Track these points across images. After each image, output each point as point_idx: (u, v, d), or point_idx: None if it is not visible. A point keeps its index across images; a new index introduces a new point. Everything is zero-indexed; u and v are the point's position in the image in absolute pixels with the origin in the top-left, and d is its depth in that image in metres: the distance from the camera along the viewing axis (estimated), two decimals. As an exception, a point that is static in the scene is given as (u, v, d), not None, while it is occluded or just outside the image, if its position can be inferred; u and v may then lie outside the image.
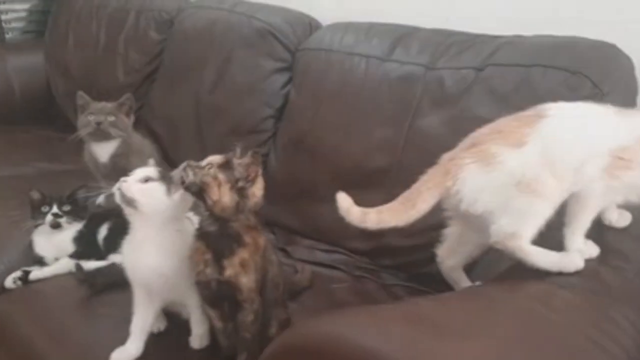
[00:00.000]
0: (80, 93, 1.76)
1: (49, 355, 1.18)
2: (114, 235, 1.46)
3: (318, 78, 1.75)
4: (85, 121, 1.69)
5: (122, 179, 1.06)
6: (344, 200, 1.09)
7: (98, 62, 2.50)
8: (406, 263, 1.52)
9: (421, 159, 1.44)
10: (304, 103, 1.77)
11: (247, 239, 1.00)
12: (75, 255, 1.45)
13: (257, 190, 1.03)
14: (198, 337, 1.13)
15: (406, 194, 1.06)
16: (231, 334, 1.05)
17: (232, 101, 1.96)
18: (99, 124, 1.65)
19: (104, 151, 1.71)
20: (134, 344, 1.10)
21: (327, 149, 1.67)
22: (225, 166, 1.00)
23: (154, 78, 2.36)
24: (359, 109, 1.62)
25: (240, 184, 0.99)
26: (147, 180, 1.05)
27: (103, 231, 1.50)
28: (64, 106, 2.64)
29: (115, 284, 1.32)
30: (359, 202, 1.58)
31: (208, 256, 0.99)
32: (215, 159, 1.01)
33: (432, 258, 1.46)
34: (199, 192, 0.98)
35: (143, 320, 1.11)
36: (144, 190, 1.05)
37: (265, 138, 1.91)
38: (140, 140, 1.78)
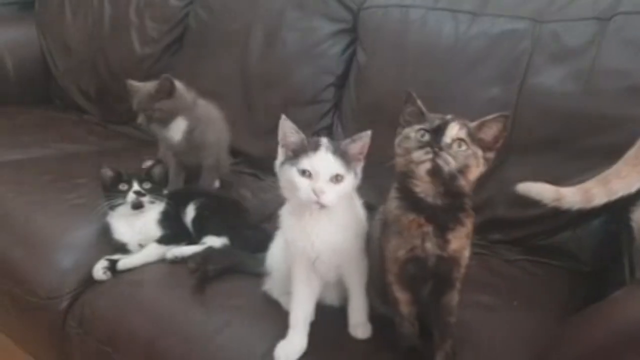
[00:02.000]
0: (129, 82, 1.53)
1: (179, 355, 0.98)
2: (204, 217, 1.29)
3: (396, 38, 1.59)
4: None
5: (318, 189, 0.87)
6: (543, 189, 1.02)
7: (105, 35, 2.23)
8: (521, 237, 1.40)
9: (542, 119, 1.38)
10: (381, 67, 1.61)
11: (470, 209, 0.87)
12: (164, 240, 1.27)
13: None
14: (362, 326, 0.98)
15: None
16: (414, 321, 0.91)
17: (286, 70, 1.77)
18: (140, 124, 1.52)
19: (173, 132, 1.51)
20: (298, 336, 0.93)
21: (415, 115, 1.54)
22: (475, 137, 0.85)
23: (176, 48, 2.14)
24: (453, 69, 1.48)
25: (488, 154, 0.85)
26: (337, 177, 0.90)
27: (190, 212, 1.31)
28: (66, 85, 2.36)
29: (225, 270, 1.16)
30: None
31: (427, 229, 0.84)
32: (456, 130, 0.84)
33: (550, 230, 1.40)
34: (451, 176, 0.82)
35: (305, 310, 0.95)
36: (340, 191, 0.90)
37: (327, 109, 1.74)
38: (207, 109, 1.56)
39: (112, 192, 1.27)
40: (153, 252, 1.24)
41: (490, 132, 0.86)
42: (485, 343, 0.96)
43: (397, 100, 1.57)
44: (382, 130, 1.58)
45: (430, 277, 0.87)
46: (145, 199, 1.26)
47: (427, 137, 0.84)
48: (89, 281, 1.21)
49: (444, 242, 0.84)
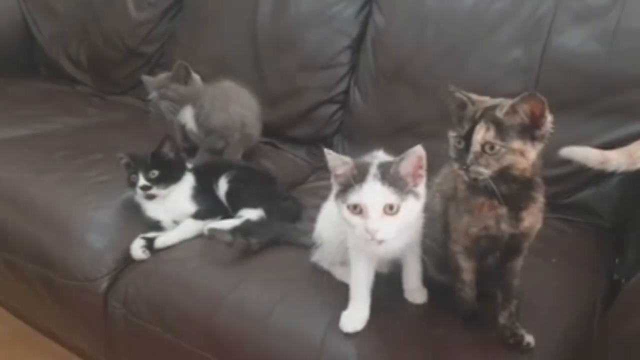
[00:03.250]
0: (145, 77, 1.56)
1: (241, 331, 0.99)
2: (238, 189, 1.28)
3: (415, 0, 1.57)
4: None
5: (371, 229, 0.81)
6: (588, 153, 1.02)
7: (95, -3, 2.11)
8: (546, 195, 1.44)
9: (566, 80, 1.39)
10: (400, 28, 1.59)
11: (540, 184, 0.87)
12: (199, 215, 1.25)
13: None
14: (419, 291, 1.00)
15: None
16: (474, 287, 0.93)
17: (299, 32, 1.73)
18: (149, 101, 1.51)
19: (185, 119, 1.51)
20: (361, 307, 0.94)
21: (437, 77, 1.51)
22: (507, 128, 0.79)
23: (175, 11, 2.06)
24: (475, 31, 1.47)
25: (537, 132, 0.81)
26: (390, 207, 0.82)
27: (223, 185, 1.29)
28: (53, 52, 2.25)
29: (269, 242, 1.16)
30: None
31: (501, 211, 0.84)
32: (481, 135, 0.79)
33: (570, 189, 1.43)
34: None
35: (366, 281, 0.95)
36: (398, 224, 0.83)
37: (343, 72, 1.72)
38: (215, 92, 1.53)
39: (129, 181, 1.23)
40: (190, 228, 1.22)
41: (525, 113, 0.81)
42: (536, 301, 0.99)
43: (418, 64, 1.60)
44: (403, 93, 1.63)
45: (500, 249, 0.89)
46: (154, 191, 1.22)
47: (462, 144, 0.82)
48: (127, 260, 1.18)
49: (517, 220, 0.85)
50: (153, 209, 1.25)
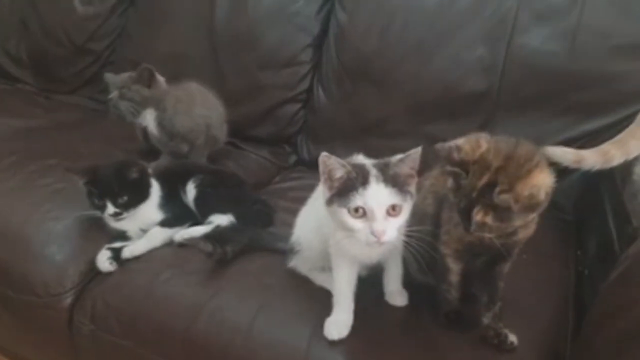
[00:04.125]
0: (107, 74, 1.47)
1: (222, 343, 0.95)
2: (206, 194, 1.23)
3: (377, -5, 1.56)
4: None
5: (377, 232, 0.80)
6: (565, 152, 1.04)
7: (35, -9, 1.98)
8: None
9: (529, 78, 1.42)
10: (363, 25, 1.57)
11: None
12: (167, 223, 1.19)
13: None
14: (399, 293, 1.00)
15: None
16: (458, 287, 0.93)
17: (258, 29, 1.68)
18: (109, 100, 1.43)
19: (145, 121, 1.44)
20: (345, 312, 0.93)
21: (402, 76, 1.52)
22: (504, 207, 0.76)
23: (126, 6, 1.95)
24: (441, 28, 1.48)
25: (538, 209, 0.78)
26: (393, 208, 0.81)
27: (190, 191, 1.24)
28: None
29: (243, 249, 1.12)
30: (449, 134, 1.51)
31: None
32: (480, 218, 0.77)
33: None
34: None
35: (349, 286, 0.93)
36: (399, 223, 0.83)
37: (305, 71, 1.69)
38: (180, 96, 1.46)
39: (91, 203, 1.15)
40: (158, 236, 1.16)
41: (523, 203, 0.76)
42: (513, 298, 1.00)
43: (383, 61, 1.59)
44: (368, 92, 1.62)
45: (490, 254, 0.89)
46: (125, 215, 1.15)
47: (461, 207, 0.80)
48: (92, 273, 1.12)
49: (512, 234, 0.85)
50: (119, 221, 1.17)
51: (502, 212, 0.76)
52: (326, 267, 1.02)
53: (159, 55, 1.81)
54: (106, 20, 1.95)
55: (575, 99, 1.36)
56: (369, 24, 1.56)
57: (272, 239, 1.15)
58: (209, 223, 1.19)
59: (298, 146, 1.71)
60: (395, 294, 1.00)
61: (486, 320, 0.92)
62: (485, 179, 0.77)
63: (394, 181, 0.81)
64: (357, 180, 0.81)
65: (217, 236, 1.12)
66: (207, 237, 1.13)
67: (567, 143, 1.32)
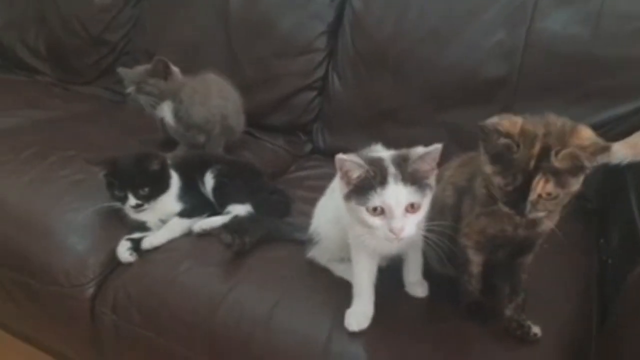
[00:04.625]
0: (121, 69, 1.48)
1: (243, 334, 0.95)
2: (224, 185, 1.23)
3: (394, -18, 1.53)
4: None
5: (396, 229, 0.79)
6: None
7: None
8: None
9: (550, 63, 1.39)
10: (379, 12, 1.56)
11: None
12: (185, 214, 1.20)
13: None
14: (420, 284, 0.99)
15: None
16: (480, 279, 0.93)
17: (273, 16, 1.68)
18: (127, 95, 1.44)
19: (163, 113, 1.45)
20: (366, 303, 0.92)
21: (418, 62, 1.50)
22: (561, 176, 0.75)
23: (140, -2, 1.96)
24: (457, 12, 1.46)
25: (587, 169, 0.77)
26: (412, 205, 0.81)
27: (209, 181, 1.24)
28: (8, 40, 2.10)
29: (261, 239, 1.12)
30: (466, 121, 1.49)
31: (519, 220, 0.82)
32: (540, 188, 0.75)
33: None
34: None
35: (369, 277, 0.93)
36: (418, 220, 0.82)
37: (321, 58, 1.67)
38: (196, 86, 1.47)
39: (112, 195, 1.16)
40: (177, 227, 1.17)
41: (586, 157, 0.75)
42: (535, 289, 0.98)
43: (399, 48, 1.57)
44: (383, 79, 1.60)
45: (513, 246, 0.88)
46: (146, 206, 1.16)
47: (510, 189, 0.78)
48: (113, 264, 1.13)
49: (536, 225, 0.84)
50: (139, 212, 1.18)
51: (562, 177, 0.75)
52: (345, 258, 1.02)
53: (173, 45, 1.81)
54: (121, 11, 1.96)
55: (598, 85, 1.33)
56: (384, 11, 1.55)
57: (290, 230, 1.15)
58: (227, 213, 1.19)
59: (314, 135, 1.70)
60: (416, 285, 0.99)
61: (509, 312, 0.91)
62: (538, 146, 0.75)
63: (412, 178, 0.80)
64: (374, 179, 0.80)
65: (235, 227, 1.12)
66: (225, 227, 1.13)
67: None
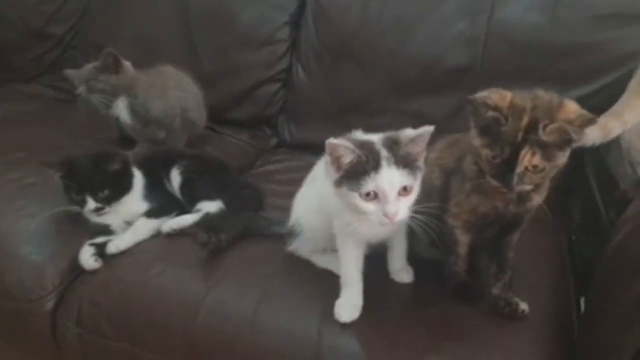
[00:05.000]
0: (67, 71, 1.39)
1: (226, 338, 0.90)
2: (192, 181, 1.17)
3: (356, -27, 1.51)
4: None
5: (391, 214, 0.78)
6: None
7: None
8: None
9: (511, 50, 1.41)
10: (343, 2, 1.53)
11: None
12: (153, 214, 1.13)
13: None
14: (405, 270, 0.98)
15: None
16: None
17: (234, 7, 1.62)
18: (79, 96, 1.36)
19: (119, 111, 1.37)
20: (356, 293, 0.90)
21: (383, 52, 1.48)
22: (549, 148, 0.76)
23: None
24: (420, 3, 1.45)
25: (575, 143, 0.78)
26: (405, 189, 0.79)
27: (175, 178, 1.17)
28: None
29: (237, 236, 1.07)
30: (433, 110, 1.49)
31: (511, 196, 0.83)
32: (527, 160, 0.76)
33: None
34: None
35: (358, 266, 0.91)
36: (410, 202, 0.81)
37: (284, 50, 1.63)
38: (159, 78, 1.40)
39: (69, 198, 1.08)
40: (144, 228, 1.10)
41: (574, 131, 0.76)
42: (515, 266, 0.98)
43: (363, 38, 1.56)
44: (348, 70, 1.58)
45: (502, 224, 0.88)
46: (107, 209, 1.08)
47: (498, 161, 0.78)
48: (75, 272, 1.05)
49: (526, 200, 0.84)
50: (102, 215, 1.10)
51: (549, 150, 0.76)
52: (329, 249, 1.00)
53: (127, 38, 1.72)
54: (65, 2, 1.83)
55: (558, 70, 1.36)
56: (348, 1, 1.52)
57: (267, 224, 1.11)
58: (198, 211, 1.13)
59: (279, 128, 1.66)
60: (402, 272, 0.98)
61: (496, 290, 0.91)
62: (526, 119, 0.76)
63: (405, 162, 0.79)
64: (368, 164, 0.78)
65: (209, 224, 1.06)
66: (200, 225, 1.07)
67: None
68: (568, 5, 1.34)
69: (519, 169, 0.77)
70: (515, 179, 0.77)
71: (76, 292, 1.02)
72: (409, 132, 0.81)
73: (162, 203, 1.14)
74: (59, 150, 1.33)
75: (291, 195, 1.30)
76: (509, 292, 0.91)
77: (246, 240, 1.08)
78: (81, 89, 1.32)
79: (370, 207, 0.79)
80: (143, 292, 0.97)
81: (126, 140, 1.42)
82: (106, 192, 1.07)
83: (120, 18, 1.73)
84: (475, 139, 0.80)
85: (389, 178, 0.78)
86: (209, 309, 0.93)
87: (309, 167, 1.55)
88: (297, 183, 1.40)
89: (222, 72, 1.65)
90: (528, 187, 0.79)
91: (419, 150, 0.80)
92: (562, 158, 0.78)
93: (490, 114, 0.77)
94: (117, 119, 1.39)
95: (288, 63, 1.64)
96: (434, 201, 0.88)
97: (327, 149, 0.79)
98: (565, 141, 0.77)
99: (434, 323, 0.89)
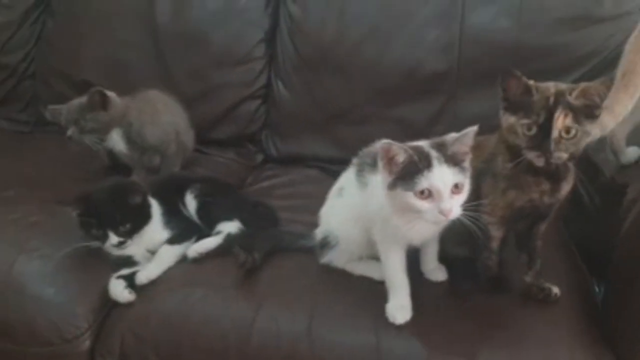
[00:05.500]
0: (50, 109, 1.36)
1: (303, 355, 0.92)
2: (208, 204, 1.17)
3: (328, -15, 1.56)
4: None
5: (446, 210, 0.82)
6: None
7: None
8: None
9: (484, 53, 1.51)
10: (318, 14, 1.56)
11: None
12: (175, 240, 1.11)
13: None
14: (439, 269, 1.04)
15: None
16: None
17: (207, 27, 1.61)
18: (70, 138, 1.30)
19: (113, 143, 1.34)
20: (405, 295, 0.94)
21: (363, 62, 1.53)
22: (581, 110, 0.85)
23: (39, 12, 1.75)
24: (395, 12, 1.52)
25: (597, 111, 0.87)
26: (457, 186, 0.84)
27: (190, 202, 1.16)
28: None
29: (268, 252, 1.09)
30: (416, 114, 1.57)
31: (546, 187, 0.90)
32: (561, 121, 0.83)
33: None
34: None
35: (403, 268, 0.94)
36: (462, 200, 0.85)
37: (261, 67, 1.64)
38: (141, 107, 1.36)
39: (87, 234, 1.04)
40: (169, 255, 1.08)
41: (597, 95, 0.86)
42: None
43: (342, 48, 1.60)
44: (330, 80, 1.63)
45: (534, 215, 0.95)
46: (129, 242, 1.06)
47: (534, 131, 0.85)
48: (105, 307, 1.01)
49: (557, 191, 0.91)
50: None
51: (578, 114, 0.84)
52: (364, 256, 1.04)
53: (92, 63, 1.66)
54: (17, 30, 1.73)
55: (526, 70, 1.40)
56: (322, 13, 1.56)
57: (293, 238, 1.13)
58: (218, 233, 1.13)
59: (263, 143, 1.67)
60: (436, 270, 1.04)
61: (528, 278, 0.99)
62: (553, 89, 0.86)
63: (453, 160, 0.84)
64: (420, 163, 0.82)
65: (240, 244, 1.06)
66: (239, 245, 1.05)
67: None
68: (531, 10, 1.45)
69: (554, 134, 0.84)
70: (553, 145, 0.84)
71: (114, 327, 0.99)
72: (453, 134, 0.87)
73: (181, 228, 1.12)
74: (48, 183, 1.29)
75: (298, 209, 1.34)
76: (539, 279, 0.99)
77: (275, 256, 1.09)
78: (71, 131, 1.27)
79: (424, 205, 0.83)
80: (188, 320, 0.96)
81: (118, 168, 1.38)
82: (127, 225, 1.05)
83: (82, 44, 1.67)
84: (509, 119, 0.88)
85: (442, 175, 0.82)
86: (261, 329, 0.94)
87: (304, 180, 1.61)
88: (299, 196, 1.44)
89: (200, 92, 1.63)
90: (564, 155, 0.86)
91: (465, 150, 0.86)
92: (589, 127, 0.87)
93: (523, 81, 0.87)
94: (110, 150, 1.35)
95: (266, 79, 1.65)
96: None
97: (380, 151, 0.84)
98: (590, 107, 0.86)
99: (478, 315, 0.95)
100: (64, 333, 0.98)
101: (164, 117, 1.39)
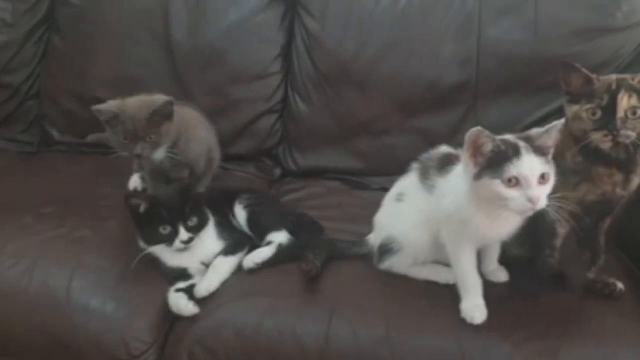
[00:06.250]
0: (96, 108, 1.19)
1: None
2: (257, 214, 1.16)
3: (344, 1, 1.58)
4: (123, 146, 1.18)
5: (535, 198, 0.83)
6: None
7: None
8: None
9: (502, 66, 1.56)
10: (336, 29, 1.57)
11: None
12: (230, 251, 1.09)
13: None
14: (500, 270, 1.05)
15: None
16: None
17: (223, 44, 1.59)
18: (139, 156, 1.19)
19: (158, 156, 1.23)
20: (479, 295, 0.94)
21: (383, 76, 1.55)
22: None
23: (43, 31, 1.69)
24: (411, 28, 1.55)
25: None
26: (544, 176, 0.84)
27: (240, 213, 1.16)
28: None
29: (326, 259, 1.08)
30: (437, 125, 1.59)
31: (618, 178, 0.92)
32: (626, 102, 0.87)
33: None
34: None
35: (475, 268, 0.95)
36: (549, 190, 0.86)
37: (278, 82, 1.64)
38: (187, 119, 1.32)
39: (149, 233, 1.03)
40: (225, 266, 1.06)
41: None
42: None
43: (362, 62, 1.62)
44: (350, 94, 1.64)
45: (604, 210, 0.98)
46: (194, 240, 1.05)
47: (599, 115, 0.89)
48: (166, 322, 0.98)
49: (628, 183, 0.94)
50: (177, 258, 1.05)
51: None
52: (427, 261, 1.04)
53: (105, 81, 1.61)
54: (21, 49, 1.67)
55: (545, 81, 1.51)
56: (342, 28, 1.57)
57: (348, 246, 1.12)
58: (269, 243, 1.11)
59: (281, 158, 1.66)
60: (497, 272, 1.05)
61: (592, 275, 1.02)
62: (614, 77, 0.91)
63: (541, 152, 0.86)
64: (508, 152, 0.84)
65: (305, 251, 1.05)
66: (309, 254, 1.04)
67: (544, 119, 1.50)
68: (547, 23, 1.50)
69: (620, 114, 0.88)
70: (619, 123, 0.88)
71: (180, 341, 0.95)
72: (537, 129, 0.89)
73: (235, 239, 1.11)
74: (84, 200, 1.25)
75: (333, 218, 1.34)
76: (603, 274, 1.02)
77: (330, 264, 1.07)
78: (140, 148, 1.15)
79: (513, 193, 0.84)
80: (260, 330, 0.94)
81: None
82: (194, 219, 1.05)
83: (92, 62, 1.63)
84: (573, 109, 0.92)
85: (530, 164, 0.84)
86: (339, 332, 0.92)
87: (328, 192, 1.60)
88: (330, 207, 1.43)
89: (218, 108, 1.60)
90: (631, 134, 0.89)
91: (550, 144, 0.88)
92: None
93: (584, 72, 0.91)
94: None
95: (283, 94, 1.65)
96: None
97: (468, 140, 0.84)
98: None
99: (549, 313, 0.97)
100: (131, 349, 0.94)
101: (199, 132, 1.36)
